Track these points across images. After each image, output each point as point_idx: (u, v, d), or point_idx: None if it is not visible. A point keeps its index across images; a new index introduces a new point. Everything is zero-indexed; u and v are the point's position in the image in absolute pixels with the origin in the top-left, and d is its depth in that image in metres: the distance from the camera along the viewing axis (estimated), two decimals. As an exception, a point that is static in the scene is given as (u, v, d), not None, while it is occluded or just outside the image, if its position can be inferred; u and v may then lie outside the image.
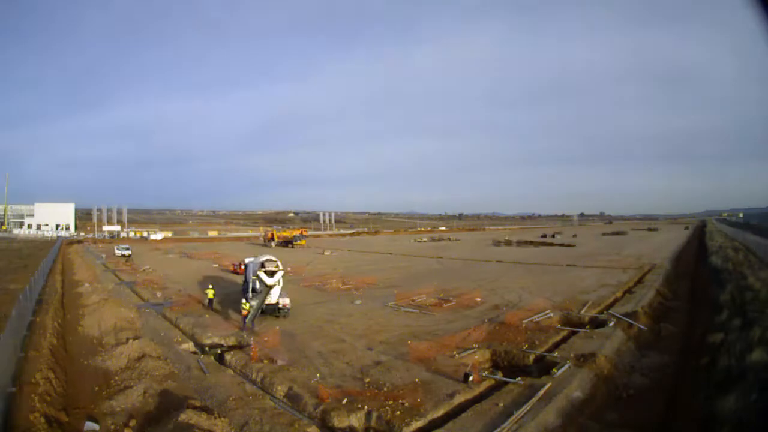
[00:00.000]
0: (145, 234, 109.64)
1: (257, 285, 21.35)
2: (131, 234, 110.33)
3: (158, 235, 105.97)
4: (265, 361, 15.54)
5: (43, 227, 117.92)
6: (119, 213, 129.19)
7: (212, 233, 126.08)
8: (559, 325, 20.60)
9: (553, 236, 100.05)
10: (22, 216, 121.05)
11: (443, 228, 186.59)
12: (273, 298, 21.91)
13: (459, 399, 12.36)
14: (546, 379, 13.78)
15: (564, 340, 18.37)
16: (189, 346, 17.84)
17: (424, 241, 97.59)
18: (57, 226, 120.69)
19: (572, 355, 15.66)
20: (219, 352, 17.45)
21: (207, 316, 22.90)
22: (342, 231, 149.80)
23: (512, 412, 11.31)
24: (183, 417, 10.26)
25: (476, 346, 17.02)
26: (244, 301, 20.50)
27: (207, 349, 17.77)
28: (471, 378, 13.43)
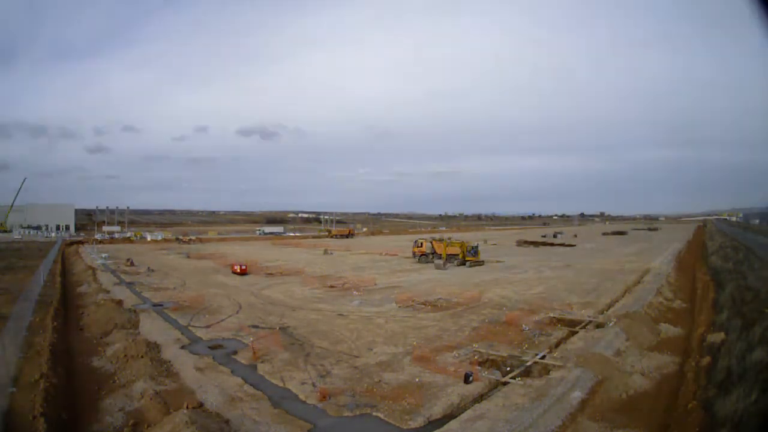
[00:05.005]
0: (144, 234, 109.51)
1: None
2: (130, 234, 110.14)
3: (158, 235, 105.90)
4: (265, 360, 15.54)
5: (43, 228, 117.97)
6: (120, 214, 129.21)
7: (211, 233, 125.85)
8: (559, 325, 20.59)
9: (555, 236, 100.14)
10: (22, 216, 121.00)
11: (443, 228, 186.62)
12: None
13: (459, 399, 12.34)
14: (546, 378, 13.79)
15: (564, 339, 18.38)
16: (188, 346, 17.82)
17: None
18: (57, 227, 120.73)
19: (572, 355, 15.67)
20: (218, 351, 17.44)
21: (207, 315, 22.91)
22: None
23: (512, 412, 11.32)
24: (182, 416, 10.26)
25: (477, 345, 17.02)
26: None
27: (208, 348, 17.73)
28: (471, 378, 13.42)
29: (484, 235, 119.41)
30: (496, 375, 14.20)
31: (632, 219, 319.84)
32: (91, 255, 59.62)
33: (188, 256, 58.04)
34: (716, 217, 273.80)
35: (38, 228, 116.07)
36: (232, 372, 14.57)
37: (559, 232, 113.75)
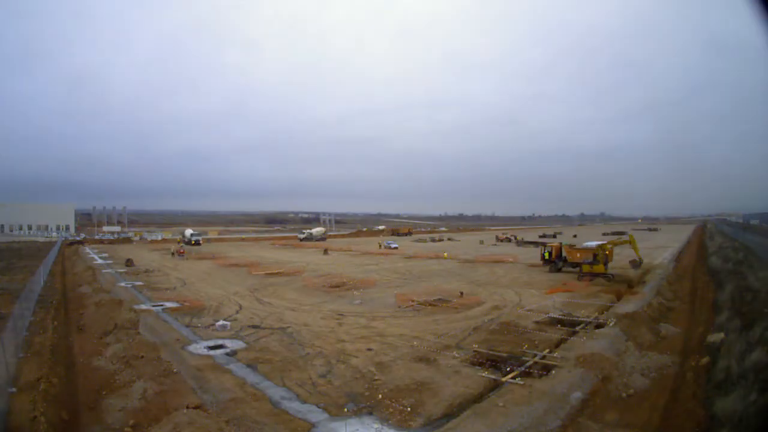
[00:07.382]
0: (144, 235, 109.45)
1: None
2: (130, 234, 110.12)
3: (158, 236, 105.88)
4: (265, 361, 15.54)
5: (43, 228, 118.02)
6: (119, 214, 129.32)
7: (212, 233, 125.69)
8: (559, 325, 20.59)
9: (554, 236, 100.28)
10: (22, 216, 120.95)
11: (444, 228, 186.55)
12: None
13: (459, 399, 12.35)
14: (546, 379, 13.79)
15: (564, 340, 18.37)
16: (187, 346, 17.83)
17: (426, 242, 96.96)
18: (57, 227, 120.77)
19: (572, 355, 15.67)
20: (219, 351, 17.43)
21: (207, 316, 22.90)
22: (339, 232, 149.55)
23: (512, 412, 11.33)
24: (182, 416, 10.26)
25: (476, 346, 17.02)
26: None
27: (208, 349, 17.74)
28: (471, 377, 13.41)
29: (485, 235, 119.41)
30: (496, 375, 14.21)
31: (632, 220, 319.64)
32: (91, 255, 59.62)
33: (187, 258, 57.96)
34: (716, 217, 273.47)
35: (46, 228, 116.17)
36: (232, 372, 14.58)
37: (559, 233, 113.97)
